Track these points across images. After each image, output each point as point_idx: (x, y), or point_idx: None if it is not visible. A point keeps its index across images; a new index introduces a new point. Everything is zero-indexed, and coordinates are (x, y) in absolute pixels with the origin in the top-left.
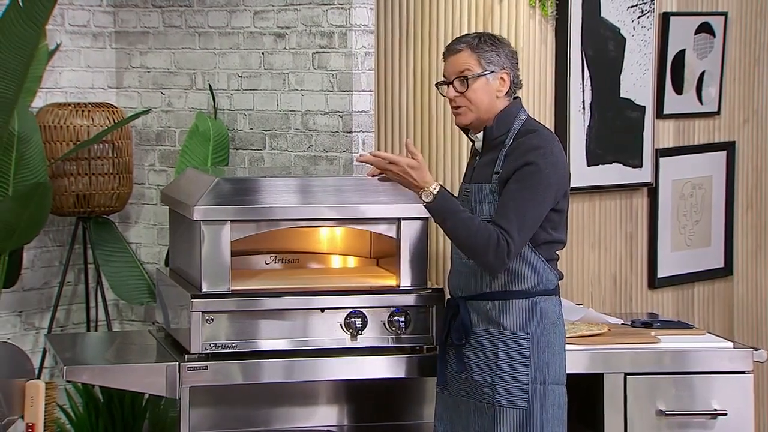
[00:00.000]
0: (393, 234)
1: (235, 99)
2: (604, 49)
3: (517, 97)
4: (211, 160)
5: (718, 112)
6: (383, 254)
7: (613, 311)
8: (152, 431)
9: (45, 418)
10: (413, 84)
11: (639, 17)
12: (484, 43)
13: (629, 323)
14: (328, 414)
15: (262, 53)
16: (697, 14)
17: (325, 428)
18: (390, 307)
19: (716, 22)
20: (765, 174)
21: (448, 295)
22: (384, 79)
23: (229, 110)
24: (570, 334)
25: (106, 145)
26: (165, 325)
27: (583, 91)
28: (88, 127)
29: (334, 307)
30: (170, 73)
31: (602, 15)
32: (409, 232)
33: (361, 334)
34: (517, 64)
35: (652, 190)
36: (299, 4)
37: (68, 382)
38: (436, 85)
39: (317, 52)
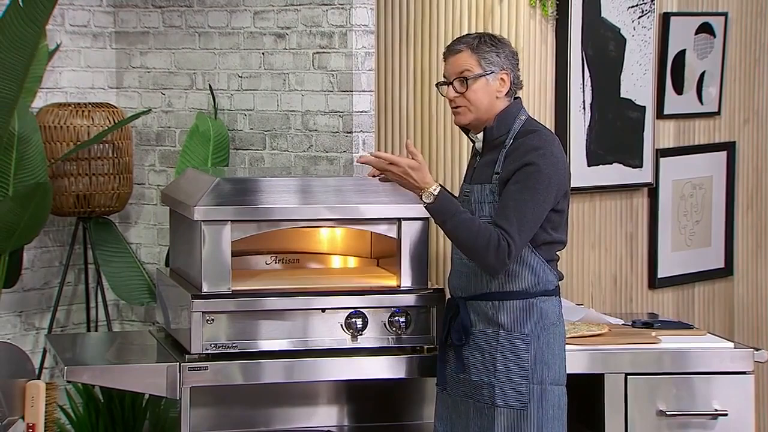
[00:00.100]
0: (393, 234)
1: (235, 99)
2: (605, 49)
3: (518, 97)
4: (212, 160)
5: (718, 113)
6: (384, 254)
7: (613, 311)
8: (152, 431)
9: (45, 419)
10: (413, 84)
11: (639, 17)
12: (484, 43)
13: (630, 323)
14: (328, 414)
15: (263, 53)
16: (698, 14)
17: (326, 428)
18: (390, 307)
19: (716, 23)
20: (765, 174)
21: (448, 296)
22: (384, 80)
23: (230, 110)
24: (570, 334)
25: (107, 145)
26: (165, 326)
27: (584, 91)
28: (89, 127)
29: (335, 307)
30: (170, 74)
31: (602, 15)
32: (410, 233)
33: (361, 335)
34: (517, 64)
35: (653, 191)
36: (299, 5)
37: (69, 382)
38: (437, 85)
39: (317, 53)
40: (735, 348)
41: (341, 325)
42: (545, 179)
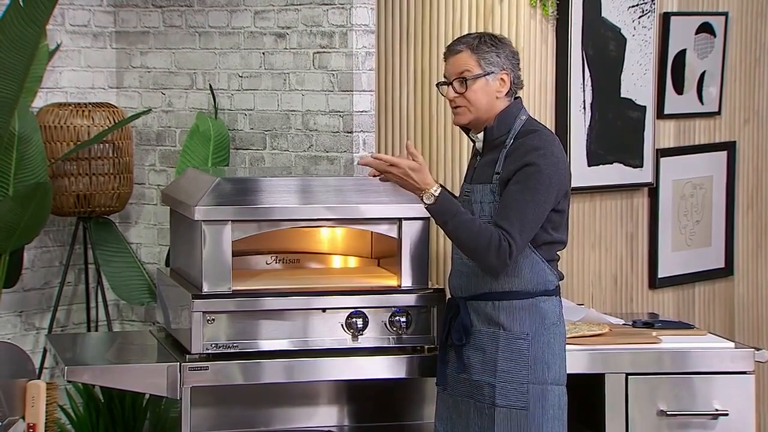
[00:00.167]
0: (394, 234)
1: (235, 99)
2: (605, 49)
3: (518, 97)
4: (212, 160)
5: (718, 112)
6: (384, 254)
7: (613, 311)
8: (153, 431)
9: (46, 419)
10: (414, 84)
11: (640, 17)
12: (484, 43)
13: (630, 323)
14: (328, 414)
15: (263, 53)
16: (698, 14)
17: (326, 428)
18: (391, 307)
19: (717, 22)
20: (765, 174)
21: (448, 296)
22: (385, 79)
23: (230, 110)
24: (571, 334)
25: (107, 145)
26: (165, 326)
27: (584, 91)
28: (89, 127)
29: (336, 307)
30: (171, 73)
31: (603, 15)
32: (410, 233)
33: (362, 335)
34: (518, 64)
35: (653, 190)
36: (300, 4)
37: (69, 382)
38: (437, 85)
39: (318, 52)
40: (736, 348)
41: (342, 325)
42: (546, 179)
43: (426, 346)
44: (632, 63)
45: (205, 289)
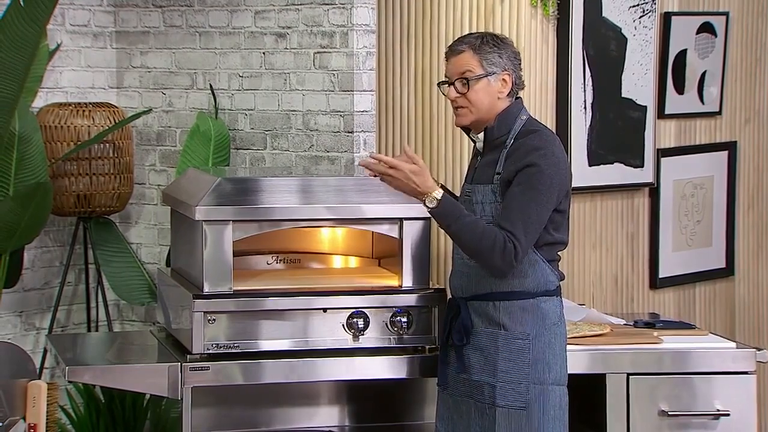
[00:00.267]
0: (395, 234)
1: (236, 99)
2: (606, 49)
3: (519, 97)
4: (212, 160)
5: (719, 112)
6: (385, 254)
7: (614, 311)
8: (153, 431)
9: (47, 419)
10: (414, 84)
11: (640, 17)
12: (487, 44)
13: (631, 323)
14: (329, 414)
15: (263, 53)
16: (699, 14)
17: (327, 429)
18: (392, 307)
19: (717, 22)
20: (766, 174)
21: (449, 296)
22: (385, 79)
23: (230, 110)
24: (572, 334)
25: (107, 145)
26: (166, 326)
27: (585, 90)
28: (89, 127)
29: (337, 307)
30: (171, 73)
31: (603, 15)
32: (411, 233)
33: (363, 335)
34: (519, 64)
35: (654, 190)
36: (300, 4)
37: (70, 382)
38: (438, 84)
39: (318, 52)
40: (737, 348)
41: (343, 325)
42: (547, 179)
43: (427, 347)
44: (633, 63)
45: (206, 289)
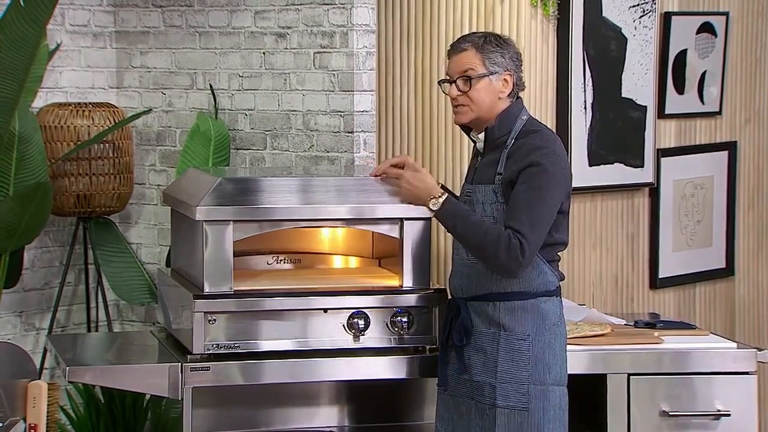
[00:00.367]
0: (396, 234)
1: (236, 99)
2: (606, 49)
3: (519, 97)
4: (212, 160)
5: (719, 112)
6: (385, 254)
7: (614, 311)
8: (154, 431)
9: (47, 419)
10: (414, 84)
11: (640, 17)
12: (490, 43)
13: (632, 324)
14: (329, 415)
15: (263, 53)
16: (699, 14)
17: (327, 429)
18: (393, 307)
19: (718, 22)
20: (766, 174)
21: (449, 296)
22: (385, 79)
23: (230, 110)
24: (573, 334)
25: (107, 145)
26: (166, 326)
27: (585, 91)
28: (89, 127)
29: (337, 307)
30: (171, 73)
31: (604, 14)
32: (412, 233)
33: (363, 335)
34: (521, 65)
35: (654, 190)
36: (300, 4)
37: (70, 382)
38: (439, 82)
39: (318, 52)
40: (738, 348)
41: (343, 325)
42: (550, 177)
43: (427, 347)
44: (633, 63)
45: (207, 289)
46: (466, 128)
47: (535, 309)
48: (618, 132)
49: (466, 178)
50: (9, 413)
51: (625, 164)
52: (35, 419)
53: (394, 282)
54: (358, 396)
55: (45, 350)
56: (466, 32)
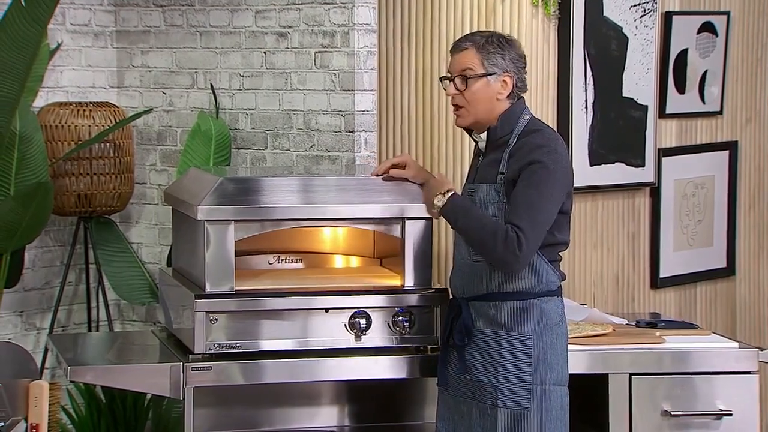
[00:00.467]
0: (397, 234)
1: (237, 98)
2: (607, 48)
3: (522, 97)
4: (213, 159)
5: (720, 112)
6: (387, 254)
7: (615, 311)
8: (155, 431)
9: (48, 419)
10: (415, 83)
11: (641, 16)
12: (491, 44)
13: (634, 323)
14: (330, 415)
15: (264, 52)
16: (700, 13)
17: (328, 429)
18: (394, 307)
19: (719, 22)
20: (767, 174)
21: (450, 295)
22: (386, 79)
23: (231, 110)
24: (574, 334)
25: (108, 144)
26: (167, 325)
27: (586, 90)
28: (89, 126)
29: (339, 307)
30: (172, 73)
31: (605, 14)
32: (413, 232)
33: (365, 335)
34: (523, 67)
35: (655, 190)
36: (301, 4)
37: (71, 382)
38: (440, 79)
39: (319, 52)
40: (740, 348)
41: (345, 325)
42: (552, 175)
43: (429, 346)
44: (634, 62)
45: (208, 288)
46: (468, 128)
47: (537, 309)
48: (619, 131)
49: (467, 177)
50: (11, 413)
51: (626, 164)
52: (37, 419)
53: (395, 282)
54: (358, 396)
55: (46, 350)
56: (467, 32)
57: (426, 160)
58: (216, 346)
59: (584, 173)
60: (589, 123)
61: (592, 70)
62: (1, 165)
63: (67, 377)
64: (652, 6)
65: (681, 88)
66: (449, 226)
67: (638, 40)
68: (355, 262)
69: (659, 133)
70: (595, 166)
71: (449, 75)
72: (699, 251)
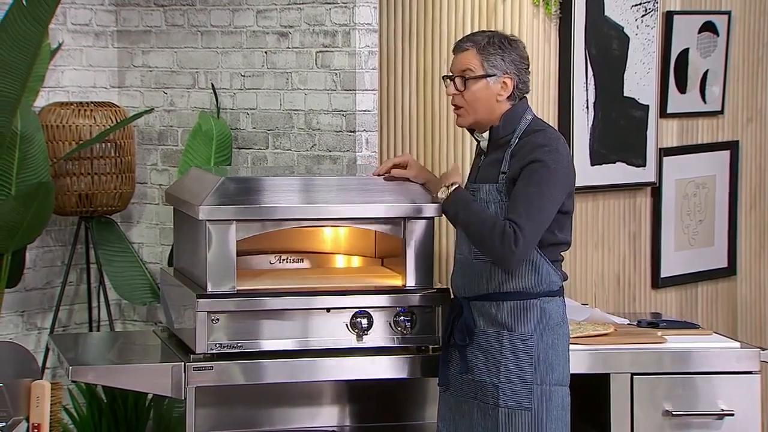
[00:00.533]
0: (399, 234)
1: (238, 98)
2: (608, 48)
3: (524, 97)
4: (214, 159)
5: (721, 112)
6: (388, 254)
7: (616, 311)
8: (156, 431)
9: (50, 419)
10: (417, 83)
11: (642, 16)
12: (492, 45)
13: (635, 323)
14: (331, 414)
15: (265, 52)
16: (701, 13)
17: (329, 429)
18: (396, 307)
19: (720, 21)
20: None
21: (451, 295)
22: (387, 78)
23: (232, 109)
24: (576, 334)
25: (109, 144)
26: (169, 325)
27: (587, 90)
28: (90, 126)
29: (340, 307)
30: (173, 72)
31: (606, 14)
32: (415, 232)
33: (366, 335)
34: (525, 68)
35: (656, 190)
36: (302, 3)
37: (73, 382)
38: (443, 77)
39: (320, 51)
40: (741, 348)
41: (346, 324)
42: (552, 174)
43: (430, 346)
44: (635, 62)
45: (210, 288)
46: (470, 128)
47: (538, 309)
48: (620, 131)
49: (469, 177)
50: (12, 413)
51: (627, 163)
52: (38, 419)
53: (397, 281)
54: (359, 396)
55: (47, 350)
56: (468, 32)
57: (427, 159)
58: (217, 345)
59: (585, 173)
60: (590, 123)
61: (593, 70)
62: (3, 165)
63: (69, 377)
64: (653, 6)
65: (682, 88)
66: (450, 226)
67: (639, 40)
68: (356, 262)
69: (660, 133)
70: (596, 166)
71: (451, 74)
72: (700, 251)
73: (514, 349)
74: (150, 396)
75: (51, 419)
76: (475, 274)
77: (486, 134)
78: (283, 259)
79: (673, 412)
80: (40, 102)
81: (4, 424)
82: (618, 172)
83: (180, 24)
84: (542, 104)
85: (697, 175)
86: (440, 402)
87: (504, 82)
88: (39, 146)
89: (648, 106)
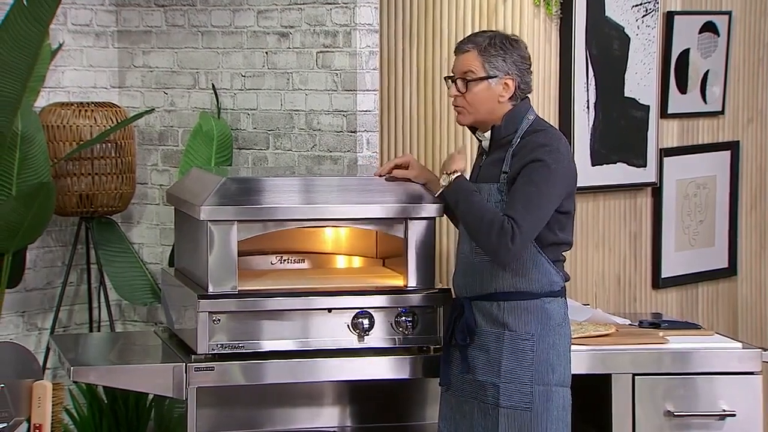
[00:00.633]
0: (400, 234)
1: (238, 98)
2: (609, 48)
3: (526, 97)
4: (215, 159)
5: (722, 112)
6: (389, 254)
7: (617, 311)
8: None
9: (51, 419)
10: (417, 83)
11: (643, 16)
12: (493, 46)
13: (637, 324)
14: (332, 415)
15: (266, 52)
16: (701, 13)
17: (330, 429)
18: (397, 307)
19: (720, 22)
20: None
21: (453, 295)
22: (388, 79)
23: (233, 110)
24: (577, 334)
25: (109, 144)
26: (170, 326)
27: (588, 90)
28: (91, 126)
29: (342, 307)
30: (173, 73)
31: (606, 14)
32: (416, 232)
33: (368, 335)
34: (527, 69)
35: (656, 190)
36: (303, 4)
37: (74, 382)
38: (445, 78)
39: (321, 52)
40: (743, 348)
41: (348, 325)
42: (552, 174)
43: (432, 347)
44: (636, 62)
45: (211, 289)
46: (472, 127)
47: (540, 309)
48: (621, 131)
49: (470, 176)
50: (13, 413)
51: (628, 164)
52: (40, 419)
53: (398, 282)
54: (360, 396)
55: (48, 350)
56: (469, 32)
57: (428, 160)
58: (219, 346)
59: (586, 173)
60: (591, 123)
61: (593, 70)
62: (3, 165)
63: (70, 377)
64: (654, 6)
65: (683, 88)
66: (452, 226)
67: (640, 40)
68: (357, 262)
69: (661, 133)
70: (596, 166)
71: (452, 75)
72: (701, 251)
73: (515, 349)
74: (151, 396)
75: (52, 420)
76: (476, 274)
77: (488, 134)
78: (285, 260)
79: (675, 413)
80: (41, 102)
81: (5, 424)
82: (619, 173)
83: (180, 24)
84: (543, 104)
85: (697, 176)
86: (441, 402)
87: (506, 83)
88: (40, 146)
89: (648, 106)
